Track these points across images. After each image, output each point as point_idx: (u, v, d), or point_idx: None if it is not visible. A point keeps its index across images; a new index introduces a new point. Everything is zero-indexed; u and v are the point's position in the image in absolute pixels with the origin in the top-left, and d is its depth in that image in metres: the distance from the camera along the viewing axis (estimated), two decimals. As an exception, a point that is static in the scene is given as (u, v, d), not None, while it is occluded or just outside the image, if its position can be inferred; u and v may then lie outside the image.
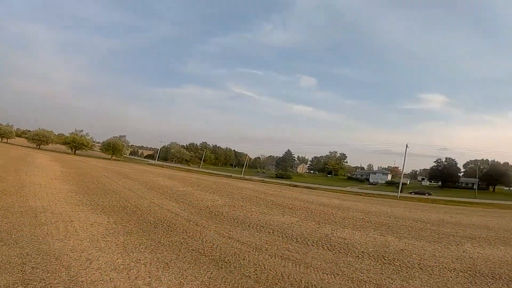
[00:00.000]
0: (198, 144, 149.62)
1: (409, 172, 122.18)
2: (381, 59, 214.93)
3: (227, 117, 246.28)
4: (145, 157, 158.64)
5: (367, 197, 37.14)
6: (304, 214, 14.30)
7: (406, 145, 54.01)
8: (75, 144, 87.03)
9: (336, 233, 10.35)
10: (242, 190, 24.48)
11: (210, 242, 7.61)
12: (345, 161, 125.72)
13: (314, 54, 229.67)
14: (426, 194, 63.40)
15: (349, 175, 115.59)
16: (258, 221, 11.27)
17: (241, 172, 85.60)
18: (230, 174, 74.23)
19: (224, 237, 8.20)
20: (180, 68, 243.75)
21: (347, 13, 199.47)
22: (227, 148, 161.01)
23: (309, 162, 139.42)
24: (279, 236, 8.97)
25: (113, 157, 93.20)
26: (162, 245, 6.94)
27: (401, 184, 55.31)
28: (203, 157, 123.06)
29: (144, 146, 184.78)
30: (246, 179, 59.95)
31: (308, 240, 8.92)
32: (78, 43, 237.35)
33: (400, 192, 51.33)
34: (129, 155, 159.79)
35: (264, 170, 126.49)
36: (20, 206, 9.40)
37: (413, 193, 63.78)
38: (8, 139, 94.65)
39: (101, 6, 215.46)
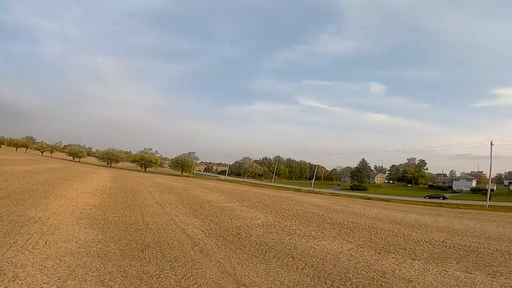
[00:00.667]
0: (271, 158, 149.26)
1: (493, 176, 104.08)
2: (448, 57, 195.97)
3: (300, 130, 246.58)
4: (218, 173, 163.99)
5: (451, 209, 30.49)
6: (365, 237, 10.74)
7: (491, 142, 45.48)
8: (144, 162, 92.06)
9: (400, 269, 7.00)
10: (300, 205, 21.36)
11: (192, 280, 5.35)
12: (425, 168, 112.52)
13: (377, 59, 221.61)
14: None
15: (430, 183, 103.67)
16: (293, 248, 8.46)
17: (311, 185, 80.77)
18: (299, 188, 71.15)
19: (220, 274, 5.65)
20: (248, 86, 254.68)
21: (400, 12, 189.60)
22: (301, 161, 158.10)
23: (387, 172, 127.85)
24: (308, 276, 6.12)
25: (183, 174, 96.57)
26: (123, 276, 5.23)
27: (489, 190, 46.75)
28: (275, 171, 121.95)
29: (218, 162, 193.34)
30: (315, 192, 55.88)
31: (352, 283, 5.85)
32: (146, 68, 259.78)
33: (489, 200, 42.90)
34: (204, 171, 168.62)
35: (339, 182, 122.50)
36: (18, 215, 9.03)
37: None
38: (80, 158, 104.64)
39: (164, 33, 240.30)
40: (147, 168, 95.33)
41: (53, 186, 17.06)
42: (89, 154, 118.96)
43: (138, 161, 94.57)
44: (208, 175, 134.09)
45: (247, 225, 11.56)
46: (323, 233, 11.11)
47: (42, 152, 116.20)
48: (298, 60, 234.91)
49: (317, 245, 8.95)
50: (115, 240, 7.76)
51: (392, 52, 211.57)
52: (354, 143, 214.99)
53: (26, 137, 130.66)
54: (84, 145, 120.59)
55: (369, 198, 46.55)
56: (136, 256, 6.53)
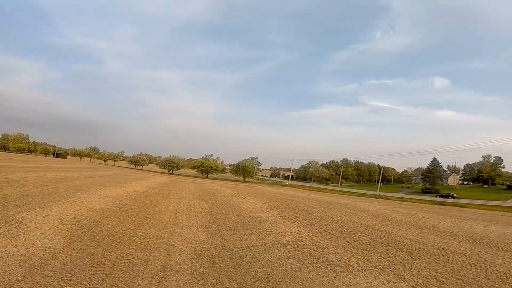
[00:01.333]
0: (338, 161, 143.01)
1: None
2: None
3: (366, 131, 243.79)
4: (284, 178, 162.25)
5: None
6: (430, 269, 7.49)
7: None
8: (204, 168, 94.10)
9: None
10: (355, 215, 18.12)
11: None
12: (501, 166, 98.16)
13: (436, 51, 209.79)
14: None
15: (508, 183, 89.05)
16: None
17: (377, 189, 74.58)
18: (364, 192, 66.11)
19: None
20: (310, 90, 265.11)
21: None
22: (370, 163, 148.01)
23: (460, 172, 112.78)
24: None
25: (246, 180, 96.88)
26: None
27: None
28: (341, 174, 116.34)
29: (286, 167, 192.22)
30: (381, 197, 50.61)
31: None
32: (206, 78, 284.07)
33: None
34: (270, 177, 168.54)
35: (410, 185, 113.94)
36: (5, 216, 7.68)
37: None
38: (142, 166, 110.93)
39: (220, 44, 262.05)
40: (208, 175, 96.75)
41: (77, 191, 16.72)
42: (151, 162, 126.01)
43: (199, 168, 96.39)
44: (271, 180, 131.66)
45: (265, 245, 9.00)
46: (367, 260, 8.00)
47: (105, 161, 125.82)
48: (355, 60, 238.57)
49: (349, 286, 5.79)
50: (74, 251, 6.62)
51: (448, 43, 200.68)
52: (422, 142, 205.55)
53: (90, 147, 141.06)
54: (145, 153, 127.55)
55: (441, 204, 39.97)
56: (70, 275, 5.22)
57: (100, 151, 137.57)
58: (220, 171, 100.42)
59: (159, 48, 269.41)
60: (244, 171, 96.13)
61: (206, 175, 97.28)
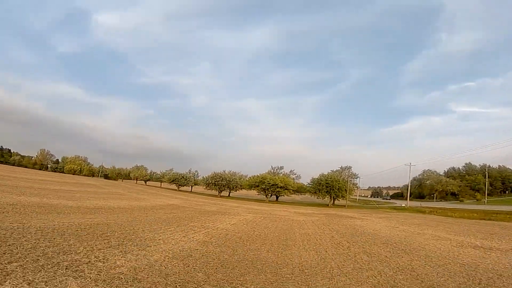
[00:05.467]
0: (460, 167, 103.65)
1: None
2: None
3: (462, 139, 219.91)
4: (391, 196, 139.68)
5: None
6: None
7: None
8: (265, 186, 65.50)
9: None
10: None
11: None
12: None
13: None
14: None
15: None
16: None
17: None
18: None
19: None
20: (393, 104, 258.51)
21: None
22: (500, 167, 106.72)
23: None
24: None
25: (334, 202, 70.83)
26: None
27: None
28: (486, 185, 78.88)
29: (386, 186, 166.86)
30: None
31: None
32: (291, 104, 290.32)
33: None
34: (371, 197, 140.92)
35: None
36: None
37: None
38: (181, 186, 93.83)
39: (295, 69, 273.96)
40: (277, 197, 74.00)
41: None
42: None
43: (258, 186, 72.21)
44: (374, 201, 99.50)
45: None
46: None
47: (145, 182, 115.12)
48: (429, 66, 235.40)
49: None
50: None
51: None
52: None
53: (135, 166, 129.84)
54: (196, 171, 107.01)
55: None
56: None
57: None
58: (294, 190, 73.59)
59: (238, 79, 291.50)
60: (331, 188, 64.38)
61: (270, 195, 68.55)
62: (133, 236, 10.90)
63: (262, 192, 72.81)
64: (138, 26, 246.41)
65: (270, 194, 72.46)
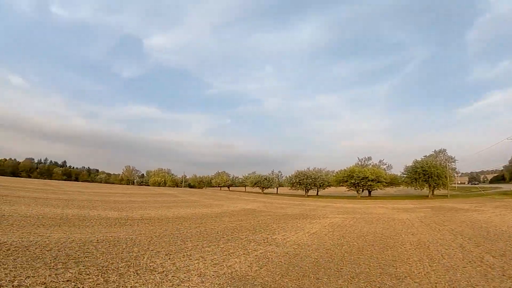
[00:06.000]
0: None
1: None
2: None
3: None
4: (491, 181, 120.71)
5: None
6: None
7: None
8: (354, 181, 57.63)
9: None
10: None
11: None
12: None
13: None
14: None
15: None
16: None
17: None
18: None
19: None
20: (465, 80, 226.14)
21: None
22: None
23: None
24: None
25: (434, 193, 58.96)
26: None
27: None
28: None
29: (479, 170, 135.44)
30: None
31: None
32: (362, 95, 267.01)
33: None
34: (469, 183, 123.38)
35: None
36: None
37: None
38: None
39: (357, 60, 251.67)
40: (370, 192, 65.24)
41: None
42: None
43: (346, 181, 63.85)
44: (477, 187, 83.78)
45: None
46: None
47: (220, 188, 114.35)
48: (490, 32, 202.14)
49: None
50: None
51: None
52: None
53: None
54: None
55: None
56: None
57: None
58: (387, 182, 63.87)
59: (303, 77, 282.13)
60: (429, 176, 54.45)
61: (362, 191, 60.08)
62: (124, 264, 6.41)
63: (352, 188, 64.12)
64: (190, 42, 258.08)
65: (361, 189, 63.16)
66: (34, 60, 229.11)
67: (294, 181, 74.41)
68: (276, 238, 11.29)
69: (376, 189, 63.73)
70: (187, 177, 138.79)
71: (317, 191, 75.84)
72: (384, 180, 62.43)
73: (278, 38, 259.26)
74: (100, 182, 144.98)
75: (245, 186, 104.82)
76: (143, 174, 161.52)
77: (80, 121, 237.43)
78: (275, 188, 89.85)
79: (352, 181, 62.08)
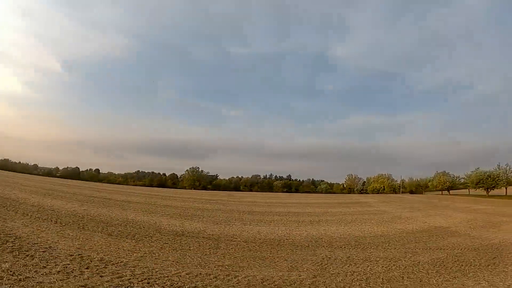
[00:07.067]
0: None
1: None
2: None
3: None
4: None
5: None
6: None
7: None
8: None
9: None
10: None
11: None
12: None
13: None
14: None
15: None
16: None
17: None
18: None
19: None
20: None
21: None
22: None
23: None
24: None
25: None
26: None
27: None
28: None
29: None
30: None
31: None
32: None
33: None
34: None
35: None
36: None
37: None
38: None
39: None
40: None
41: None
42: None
43: None
44: None
45: None
46: None
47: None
48: None
49: None
50: None
51: None
52: None
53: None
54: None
55: None
56: None
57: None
58: None
59: None
60: None
61: None
62: None
63: None
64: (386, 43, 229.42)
65: None
66: (250, 94, 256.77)
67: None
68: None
69: None
70: (405, 181, 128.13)
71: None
72: None
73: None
74: (321, 193, 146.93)
75: (468, 188, 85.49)
76: (364, 181, 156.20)
77: (302, 138, 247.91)
78: (504, 189, 67.50)
79: None
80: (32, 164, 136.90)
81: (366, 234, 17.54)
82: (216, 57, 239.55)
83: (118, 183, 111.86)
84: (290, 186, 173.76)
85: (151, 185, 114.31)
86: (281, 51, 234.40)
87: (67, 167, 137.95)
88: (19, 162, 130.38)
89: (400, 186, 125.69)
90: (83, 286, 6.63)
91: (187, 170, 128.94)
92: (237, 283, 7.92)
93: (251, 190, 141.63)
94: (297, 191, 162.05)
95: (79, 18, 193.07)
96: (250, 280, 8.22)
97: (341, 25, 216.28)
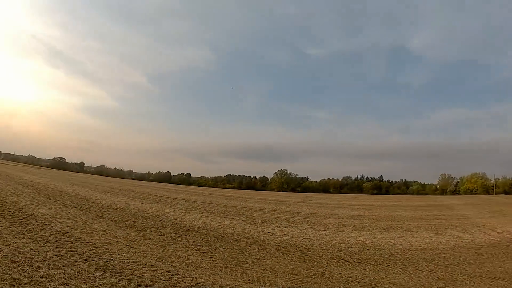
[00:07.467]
0: None
1: None
2: None
3: None
4: None
5: None
6: None
7: None
8: None
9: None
10: None
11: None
12: None
13: None
14: None
15: None
16: None
17: None
18: None
19: None
20: None
21: None
22: None
23: None
24: None
25: None
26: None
27: None
28: None
29: None
30: None
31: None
32: None
33: None
34: None
35: None
36: None
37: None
38: None
39: None
40: None
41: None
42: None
43: None
44: None
45: None
46: None
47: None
48: None
49: None
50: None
51: None
52: None
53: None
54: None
55: None
56: None
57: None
58: None
59: None
60: None
61: None
62: None
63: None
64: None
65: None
66: (331, 95, 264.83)
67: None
68: None
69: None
70: (499, 179, 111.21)
71: None
72: None
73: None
74: (412, 194, 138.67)
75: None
76: (458, 181, 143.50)
77: (393, 137, 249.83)
78: None
79: None
80: (127, 170, 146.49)
81: (413, 245, 14.77)
82: (291, 59, 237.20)
83: (208, 186, 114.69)
84: (380, 187, 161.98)
85: (239, 188, 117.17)
86: (356, 47, 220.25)
87: (159, 172, 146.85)
88: (114, 168, 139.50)
89: (493, 186, 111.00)
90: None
91: (275, 173, 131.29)
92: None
93: (340, 192, 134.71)
94: (387, 192, 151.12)
95: (150, 34, 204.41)
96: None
97: (414, 13, 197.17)
